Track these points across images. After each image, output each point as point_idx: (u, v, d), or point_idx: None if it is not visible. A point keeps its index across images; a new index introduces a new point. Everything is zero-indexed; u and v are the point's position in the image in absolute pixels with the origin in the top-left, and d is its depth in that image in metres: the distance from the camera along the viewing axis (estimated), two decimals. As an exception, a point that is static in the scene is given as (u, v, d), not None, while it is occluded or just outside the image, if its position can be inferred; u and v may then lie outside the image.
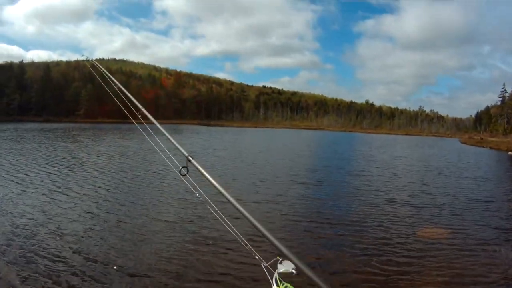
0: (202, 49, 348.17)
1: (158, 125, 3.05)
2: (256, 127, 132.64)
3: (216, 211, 2.67)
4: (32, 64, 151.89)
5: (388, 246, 8.99)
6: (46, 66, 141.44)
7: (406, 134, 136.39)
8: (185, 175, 2.56)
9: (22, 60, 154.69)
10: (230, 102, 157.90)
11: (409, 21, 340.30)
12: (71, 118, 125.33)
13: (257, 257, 2.10)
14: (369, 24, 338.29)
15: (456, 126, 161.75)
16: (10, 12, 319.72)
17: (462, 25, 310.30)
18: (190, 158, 2.53)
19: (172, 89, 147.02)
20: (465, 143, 79.70)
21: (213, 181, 2.30)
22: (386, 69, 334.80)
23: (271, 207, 12.33)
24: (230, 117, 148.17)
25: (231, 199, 2.16)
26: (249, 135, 71.65)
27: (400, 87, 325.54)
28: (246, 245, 2.31)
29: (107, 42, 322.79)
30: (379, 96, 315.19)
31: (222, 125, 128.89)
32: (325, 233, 9.80)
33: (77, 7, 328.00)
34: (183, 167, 2.54)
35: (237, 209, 2.11)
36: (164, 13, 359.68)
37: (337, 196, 14.69)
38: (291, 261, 1.83)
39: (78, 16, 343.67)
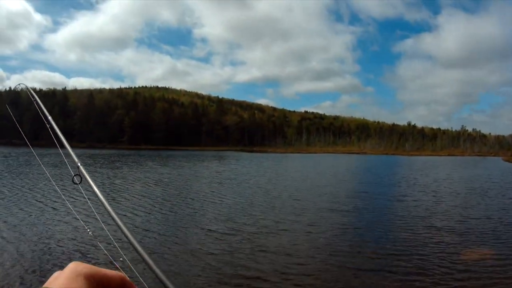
0: (242, 75, 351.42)
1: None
2: (299, 152, 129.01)
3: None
4: (75, 91, 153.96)
5: (432, 270, 8.72)
6: (90, 93, 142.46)
7: (448, 155, 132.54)
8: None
9: (65, 87, 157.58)
10: (273, 128, 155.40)
11: (447, 38, 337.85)
12: (114, 145, 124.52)
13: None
14: (408, 43, 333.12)
15: (499, 144, 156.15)
16: (51, 40, 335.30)
17: (502, 39, 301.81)
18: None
19: (215, 116, 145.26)
20: (508, 161, 76.99)
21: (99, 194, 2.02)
22: (426, 89, 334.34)
23: (311, 237, 11.73)
24: (273, 143, 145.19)
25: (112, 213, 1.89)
26: (290, 161, 69.45)
27: (441, 107, 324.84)
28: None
29: (148, 69, 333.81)
30: (420, 117, 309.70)
31: (265, 151, 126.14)
32: (365, 261, 9.35)
33: (116, 35, 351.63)
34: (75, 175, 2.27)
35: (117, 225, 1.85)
36: (203, 40, 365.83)
37: (377, 223, 13.79)
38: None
39: (118, 43, 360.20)
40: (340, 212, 15.74)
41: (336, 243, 10.88)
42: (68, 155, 2.50)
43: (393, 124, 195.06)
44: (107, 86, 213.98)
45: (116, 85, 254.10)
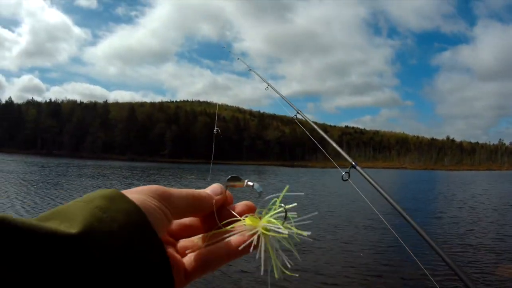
0: (283, 90, 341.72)
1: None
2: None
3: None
4: (116, 104, 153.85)
5: None
6: (131, 107, 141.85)
7: (487, 170, 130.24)
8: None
9: (106, 100, 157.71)
10: (313, 142, 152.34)
11: (484, 50, 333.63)
12: (155, 158, 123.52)
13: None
14: (445, 56, 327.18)
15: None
16: (91, 53, 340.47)
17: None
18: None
19: (256, 131, 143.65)
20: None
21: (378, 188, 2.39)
22: (464, 102, 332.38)
23: (341, 257, 10.67)
24: (313, 158, 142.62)
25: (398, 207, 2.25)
26: (329, 176, 67.47)
27: (479, 120, 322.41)
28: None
29: (189, 83, 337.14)
30: (459, 131, 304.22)
31: (305, 166, 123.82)
32: (398, 281, 8.42)
33: (157, 49, 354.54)
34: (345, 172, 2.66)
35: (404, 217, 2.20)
36: (244, 54, 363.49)
37: (412, 241, 9.76)
38: None
39: (159, 58, 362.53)
40: (375, 230, 14.63)
41: (368, 262, 10.20)
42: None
43: (432, 139, 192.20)
44: (148, 99, 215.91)
45: (157, 98, 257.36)
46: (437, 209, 21.62)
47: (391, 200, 2.25)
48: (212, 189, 0.50)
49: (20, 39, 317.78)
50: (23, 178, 31.50)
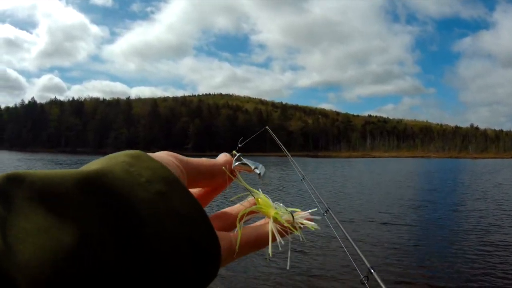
0: (303, 80, 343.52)
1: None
2: (363, 157, 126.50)
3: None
4: (139, 100, 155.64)
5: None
6: (154, 102, 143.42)
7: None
8: None
9: (129, 96, 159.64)
10: (337, 132, 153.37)
11: (505, 36, 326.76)
12: (179, 151, 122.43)
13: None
14: (466, 42, 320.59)
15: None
16: (110, 51, 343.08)
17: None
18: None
19: (279, 122, 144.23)
20: None
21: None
22: (487, 89, 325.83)
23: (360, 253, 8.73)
24: (337, 148, 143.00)
25: None
26: (350, 166, 66.18)
27: (503, 108, 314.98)
28: None
29: (209, 77, 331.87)
30: (483, 118, 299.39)
31: (329, 156, 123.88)
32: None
33: (174, 43, 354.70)
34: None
35: None
36: (262, 46, 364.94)
37: (436, 238, 11.87)
38: None
39: (177, 52, 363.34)
40: (394, 226, 13.85)
41: (386, 261, 9.38)
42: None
43: (456, 127, 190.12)
44: (168, 94, 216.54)
45: (177, 93, 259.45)
46: (459, 201, 20.64)
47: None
48: (222, 157, 0.45)
49: (38, 40, 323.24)
50: None
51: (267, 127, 5.42)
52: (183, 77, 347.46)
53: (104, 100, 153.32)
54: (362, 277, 2.12)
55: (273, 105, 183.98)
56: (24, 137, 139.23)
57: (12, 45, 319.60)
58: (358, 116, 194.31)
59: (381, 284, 1.89)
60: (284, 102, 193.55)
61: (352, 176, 38.72)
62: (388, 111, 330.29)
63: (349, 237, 2.49)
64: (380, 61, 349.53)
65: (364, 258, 2.36)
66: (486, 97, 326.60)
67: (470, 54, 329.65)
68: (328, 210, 3.14)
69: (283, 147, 3.69)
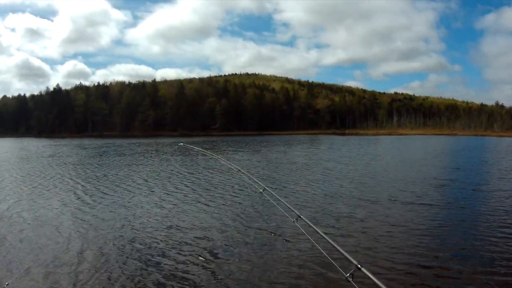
0: (329, 58, 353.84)
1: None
2: (390, 134, 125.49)
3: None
4: (165, 82, 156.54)
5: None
6: (180, 84, 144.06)
7: None
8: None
9: (155, 79, 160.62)
10: (364, 110, 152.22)
11: None
12: (206, 132, 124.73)
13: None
14: (489, 18, 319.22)
15: None
16: (133, 35, 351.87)
17: None
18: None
19: (306, 100, 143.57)
20: None
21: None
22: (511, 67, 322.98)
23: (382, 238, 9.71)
24: (364, 125, 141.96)
25: None
26: (376, 143, 65.27)
27: None
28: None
29: (234, 57, 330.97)
30: (508, 96, 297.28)
31: (356, 134, 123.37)
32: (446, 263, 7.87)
33: (198, 25, 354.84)
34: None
35: None
36: (286, 25, 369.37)
37: (462, 219, 11.49)
38: None
39: (201, 33, 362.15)
40: (417, 206, 13.38)
41: (407, 243, 9.30)
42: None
43: (482, 104, 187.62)
44: (194, 75, 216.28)
45: (203, 74, 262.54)
46: (482, 180, 19.79)
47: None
48: None
49: (60, 28, 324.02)
50: (82, 162, 32.96)
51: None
52: (208, 57, 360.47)
53: (129, 83, 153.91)
54: (347, 275, 2.60)
55: (300, 83, 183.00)
56: (50, 124, 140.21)
57: (34, 34, 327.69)
58: (384, 93, 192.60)
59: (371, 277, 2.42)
60: (310, 81, 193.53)
61: (378, 154, 39.23)
62: (414, 88, 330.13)
63: (326, 237, 2.97)
64: (405, 38, 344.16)
65: (349, 256, 2.72)
66: (511, 75, 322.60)
67: (493, 31, 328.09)
68: (299, 217, 3.55)
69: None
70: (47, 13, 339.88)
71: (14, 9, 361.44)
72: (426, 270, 7.45)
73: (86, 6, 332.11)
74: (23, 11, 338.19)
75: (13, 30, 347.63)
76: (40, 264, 8.00)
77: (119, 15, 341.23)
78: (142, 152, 44.88)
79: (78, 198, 15.66)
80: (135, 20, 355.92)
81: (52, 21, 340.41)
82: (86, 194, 16.48)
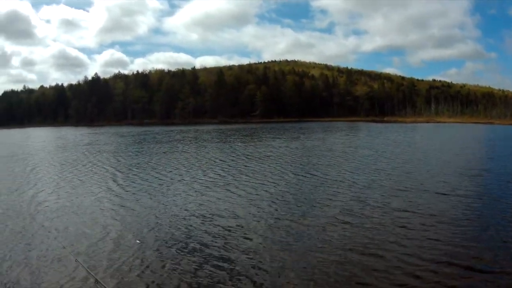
0: (367, 45, 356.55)
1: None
2: (428, 122, 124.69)
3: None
4: (204, 69, 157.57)
5: None
6: (219, 71, 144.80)
7: None
8: None
9: (194, 66, 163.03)
10: (402, 97, 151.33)
11: None
12: (246, 119, 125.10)
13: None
14: None
15: None
16: (171, 23, 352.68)
17: None
18: None
19: (345, 87, 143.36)
20: None
21: None
22: None
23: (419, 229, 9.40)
24: (402, 113, 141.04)
25: None
26: (414, 131, 64.58)
27: None
28: None
29: (272, 44, 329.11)
30: None
31: (395, 121, 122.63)
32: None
33: (235, 12, 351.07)
34: None
35: None
36: (323, 11, 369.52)
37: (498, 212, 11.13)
38: None
39: (239, 20, 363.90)
40: (450, 196, 13.04)
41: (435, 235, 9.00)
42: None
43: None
44: (233, 62, 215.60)
45: (242, 61, 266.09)
46: None
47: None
48: None
49: (96, 18, 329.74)
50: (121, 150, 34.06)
51: None
52: (247, 45, 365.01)
53: (169, 71, 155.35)
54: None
55: (339, 70, 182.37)
56: (89, 112, 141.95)
57: (70, 24, 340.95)
58: (422, 80, 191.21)
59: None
60: (349, 67, 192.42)
61: (415, 142, 38.90)
62: (452, 76, 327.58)
63: None
64: (441, 24, 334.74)
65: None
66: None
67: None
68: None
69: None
70: (82, 4, 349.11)
71: (48, 1, 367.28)
72: (457, 261, 7.32)
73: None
74: (58, 3, 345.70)
75: (48, 21, 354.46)
76: (74, 251, 8.12)
77: (156, 4, 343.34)
78: (181, 139, 45.68)
79: (115, 185, 15.95)
80: (172, 8, 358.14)
81: (87, 11, 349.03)
82: (123, 181, 16.82)
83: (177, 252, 7.86)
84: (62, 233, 9.43)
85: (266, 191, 13.66)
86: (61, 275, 6.88)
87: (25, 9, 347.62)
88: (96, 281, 6.45)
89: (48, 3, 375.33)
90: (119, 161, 24.43)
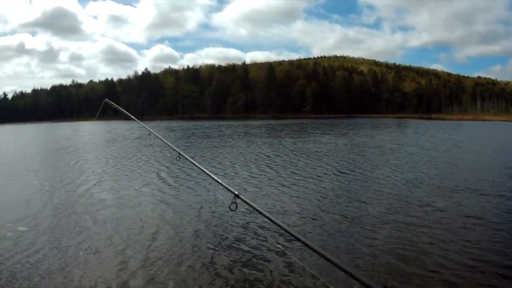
0: (414, 41, 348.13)
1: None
2: (474, 120, 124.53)
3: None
4: (255, 64, 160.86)
5: None
6: (269, 66, 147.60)
7: None
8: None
9: (244, 61, 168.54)
10: (449, 94, 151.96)
11: None
12: (297, 114, 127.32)
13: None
14: None
15: None
16: (219, 19, 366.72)
17: None
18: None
19: (393, 83, 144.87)
20: None
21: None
22: None
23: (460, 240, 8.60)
24: (449, 110, 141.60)
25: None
26: (460, 128, 61.09)
27: None
28: None
29: (321, 39, 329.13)
30: None
31: (443, 118, 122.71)
32: None
33: (283, 7, 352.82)
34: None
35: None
36: (370, 7, 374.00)
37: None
38: None
39: (287, 16, 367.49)
40: (501, 198, 12.50)
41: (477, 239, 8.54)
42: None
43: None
44: (283, 57, 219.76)
45: (292, 56, 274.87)
46: None
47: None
48: None
49: (144, 13, 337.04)
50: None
51: (106, 99, 6.24)
52: (296, 40, 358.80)
53: (219, 66, 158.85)
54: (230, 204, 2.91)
55: (387, 66, 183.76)
56: (139, 107, 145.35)
57: (117, 20, 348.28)
58: (468, 77, 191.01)
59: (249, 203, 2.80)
60: (397, 63, 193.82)
61: (460, 140, 37.51)
62: (496, 73, 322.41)
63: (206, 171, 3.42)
64: (485, 20, 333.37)
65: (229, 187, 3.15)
66: None
67: None
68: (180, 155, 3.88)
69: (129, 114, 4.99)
70: (129, 0, 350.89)
71: None
72: (500, 269, 6.90)
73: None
74: None
75: (95, 17, 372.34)
76: (112, 244, 8.27)
77: (203, 0, 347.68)
78: (231, 134, 45.68)
79: (160, 179, 15.97)
80: (220, 4, 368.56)
81: (135, 7, 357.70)
82: (168, 175, 16.83)
83: (214, 248, 7.82)
84: (102, 226, 9.64)
85: (311, 187, 13.45)
86: (99, 267, 7.07)
87: (72, 5, 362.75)
88: (131, 273, 6.76)
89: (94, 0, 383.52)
90: (166, 155, 24.04)
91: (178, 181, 15.39)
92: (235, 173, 16.96)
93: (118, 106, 5.36)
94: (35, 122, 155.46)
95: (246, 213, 8.35)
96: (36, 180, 16.67)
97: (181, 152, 3.93)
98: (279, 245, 7.11)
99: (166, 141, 4.25)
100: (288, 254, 6.98)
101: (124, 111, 4.96)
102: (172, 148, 4.08)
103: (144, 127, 4.67)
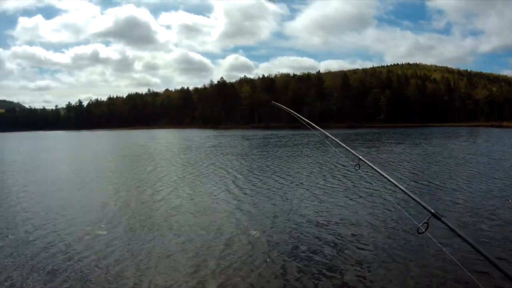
0: (484, 45, 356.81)
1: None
2: None
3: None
4: (329, 73, 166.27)
5: None
6: (344, 74, 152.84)
7: None
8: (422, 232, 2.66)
9: (319, 70, 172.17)
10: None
11: None
12: (371, 124, 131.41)
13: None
14: None
15: None
16: (292, 27, 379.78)
17: None
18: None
19: (466, 91, 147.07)
20: None
21: None
22: None
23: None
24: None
25: None
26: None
27: None
28: None
29: (393, 46, 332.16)
30: None
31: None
32: None
33: (354, 14, 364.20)
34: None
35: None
36: (439, 11, 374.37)
37: None
38: None
39: (358, 23, 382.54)
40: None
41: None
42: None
43: None
44: (356, 66, 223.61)
45: (365, 64, 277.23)
46: None
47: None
48: None
49: (217, 23, 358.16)
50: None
51: (272, 101, 8.68)
52: (368, 48, 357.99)
53: (294, 75, 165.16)
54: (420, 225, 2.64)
55: (459, 72, 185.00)
56: (215, 115, 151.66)
57: (191, 30, 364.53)
58: None
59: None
60: (469, 70, 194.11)
61: None
62: None
63: (401, 187, 3.27)
64: None
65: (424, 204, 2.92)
66: None
67: None
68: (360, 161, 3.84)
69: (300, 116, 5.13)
70: (202, 10, 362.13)
71: (167, 8, 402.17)
72: None
73: (240, 1, 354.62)
74: (176, 9, 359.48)
75: (168, 27, 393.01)
76: (185, 250, 8.51)
77: (275, 8, 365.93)
78: (305, 143, 45.35)
79: (235, 187, 16.15)
80: (292, 13, 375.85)
81: (208, 17, 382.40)
82: (242, 183, 17.03)
83: (286, 257, 7.97)
84: (176, 232, 9.90)
85: (384, 198, 13.07)
86: (169, 272, 7.26)
87: (144, 15, 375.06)
88: (201, 279, 6.97)
89: (166, 10, 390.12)
90: (241, 163, 24.81)
91: (252, 189, 15.91)
92: (311, 183, 17.09)
93: (290, 110, 5.70)
94: (111, 128, 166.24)
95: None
96: (131, 182, 18.29)
97: (361, 157, 3.81)
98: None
99: (346, 146, 4.27)
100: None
101: (301, 117, 5.20)
102: (352, 152, 4.05)
103: (325, 133, 4.79)
